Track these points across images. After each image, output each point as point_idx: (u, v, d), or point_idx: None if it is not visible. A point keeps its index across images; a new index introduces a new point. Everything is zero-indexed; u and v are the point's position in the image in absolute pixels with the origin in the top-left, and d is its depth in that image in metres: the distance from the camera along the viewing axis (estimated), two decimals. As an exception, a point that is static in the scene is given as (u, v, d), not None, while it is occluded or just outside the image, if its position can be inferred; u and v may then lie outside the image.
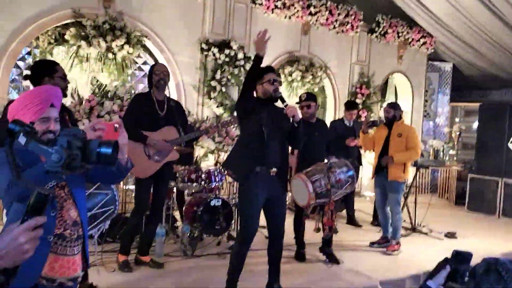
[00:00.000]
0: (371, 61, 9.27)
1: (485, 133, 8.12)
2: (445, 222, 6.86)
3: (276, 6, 7.54)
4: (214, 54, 6.93)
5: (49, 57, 5.91)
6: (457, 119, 11.31)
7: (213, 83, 6.93)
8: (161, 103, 4.05)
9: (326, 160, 4.39)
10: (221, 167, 5.16)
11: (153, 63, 6.83)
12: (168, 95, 4.23)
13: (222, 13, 7.15)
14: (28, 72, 3.28)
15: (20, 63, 5.93)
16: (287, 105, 3.39)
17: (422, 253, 5.17)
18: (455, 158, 9.70)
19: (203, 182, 4.96)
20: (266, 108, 3.45)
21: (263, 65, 3.40)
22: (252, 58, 3.40)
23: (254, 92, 3.53)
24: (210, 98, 6.99)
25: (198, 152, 6.69)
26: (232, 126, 5.26)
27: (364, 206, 7.60)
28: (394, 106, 5.43)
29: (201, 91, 7.03)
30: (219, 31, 7.12)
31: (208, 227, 4.77)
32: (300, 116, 4.08)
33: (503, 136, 7.77)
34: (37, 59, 5.64)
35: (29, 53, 5.96)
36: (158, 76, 4.03)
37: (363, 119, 8.79)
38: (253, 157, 3.38)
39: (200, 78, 7.00)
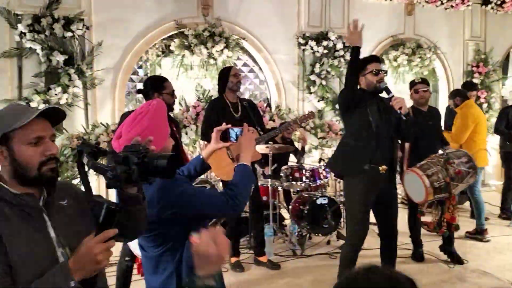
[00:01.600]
0: (487, 35, 8.31)
1: None
2: None
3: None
4: (311, 48, 6.79)
5: (158, 69, 6.32)
6: None
7: (312, 77, 6.80)
8: (235, 105, 4.07)
9: (440, 151, 4.00)
10: (325, 166, 5.02)
11: (247, 64, 6.94)
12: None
13: (318, 4, 6.97)
14: (141, 86, 3.58)
15: (134, 77, 6.43)
16: (393, 96, 3.15)
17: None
18: None
19: (307, 180, 4.88)
20: (372, 100, 3.24)
21: (365, 52, 3.20)
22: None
23: (358, 85, 3.34)
24: (311, 93, 6.87)
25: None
26: (310, 120, 5.13)
27: (489, 197, 6.85)
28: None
29: (301, 86, 6.94)
30: (315, 23, 6.95)
31: (315, 226, 4.68)
32: (410, 104, 3.78)
33: None
34: (149, 75, 6.09)
35: (140, 67, 6.43)
36: (237, 78, 4.08)
37: (482, 100, 7.98)
38: (361, 154, 3.19)
39: (298, 73, 6.92)
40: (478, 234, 4.97)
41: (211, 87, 6.39)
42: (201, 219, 1.93)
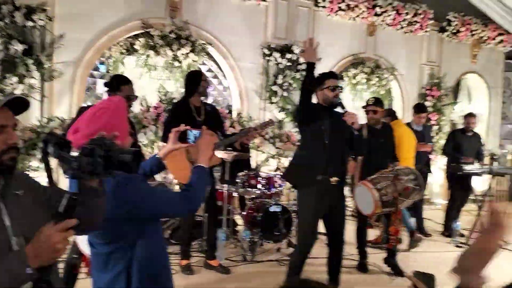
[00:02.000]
0: (442, 61, 8.79)
1: None
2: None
3: (340, 8, 7.39)
4: (276, 59, 6.93)
5: (121, 67, 6.24)
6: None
7: (275, 88, 6.94)
8: (198, 109, 4.14)
9: (391, 167, 4.20)
10: (281, 177, 5.13)
11: (207, 70, 6.99)
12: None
13: (284, 17, 7.15)
14: (101, 82, 3.63)
15: (95, 73, 6.32)
16: (346, 111, 3.30)
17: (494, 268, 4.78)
18: (537, 165, 8.92)
19: (262, 188, 4.97)
20: (327, 114, 3.38)
21: (327, 68, 3.35)
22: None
23: (315, 98, 3.48)
24: (272, 103, 7.00)
25: (258, 157, 6.73)
26: (270, 128, 5.26)
27: (433, 215, 7.20)
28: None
29: (263, 95, 7.06)
30: (281, 36, 7.12)
31: (267, 233, 4.77)
32: (364, 121, 3.95)
33: None
34: (111, 72, 6.01)
35: (102, 63, 6.33)
36: (207, 83, 4.23)
37: (433, 122, 8.39)
38: (313, 166, 3.32)
39: (262, 83, 7.04)
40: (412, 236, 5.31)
41: (174, 89, 6.38)
42: (155, 218, 1.95)
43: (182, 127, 2.19)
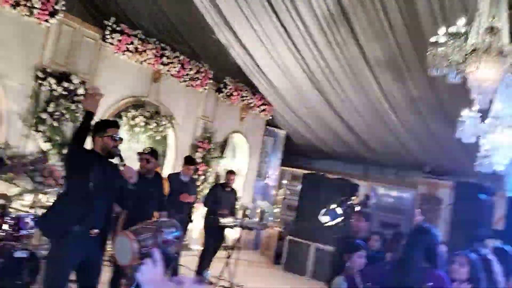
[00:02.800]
0: (216, 118, 9.66)
1: (305, 199, 9.03)
2: (261, 281, 7.25)
3: (127, 49, 7.40)
4: (50, 85, 6.38)
5: None
6: (284, 181, 12.33)
7: (44, 115, 6.33)
8: None
9: (157, 217, 4.30)
10: (35, 224, 4.61)
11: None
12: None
13: (67, 44, 6.72)
14: None
15: None
16: (124, 164, 3.26)
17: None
18: (278, 219, 10.50)
19: (10, 229, 4.36)
20: (99, 163, 3.26)
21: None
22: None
23: (90, 144, 3.32)
24: (38, 131, 6.34)
25: (9, 189, 5.91)
26: (40, 164, 4.87)
27: (189, 261, 7.57)
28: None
29: (29, 121, 6.34)
30: (60, 62, 6.63)
31: (7, 281, 4.15)
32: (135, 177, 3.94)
33: (318, 204, 8.71)
34: None
35: None
36: None
37: (200, 172, 9.00)
38: (73, 214, 3.11)
39: (29, 107, 6.33)
40: None
41: None
42: None
43: None
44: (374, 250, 4.75)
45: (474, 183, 8.49)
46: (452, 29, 3.56)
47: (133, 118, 7.79)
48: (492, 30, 3.38)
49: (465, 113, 4.98)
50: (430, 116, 8.59)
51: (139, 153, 4.67)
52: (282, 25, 7.40)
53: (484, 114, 4.91)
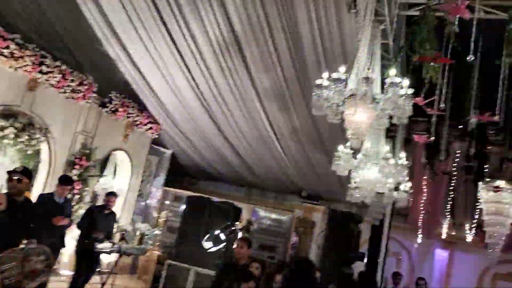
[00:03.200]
0: (97, 134, 9.12)
1: (188, 222, 8.92)
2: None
3: (2, 54, 6.67)
4: None
5: None
6: (167, 202, 12.08)
7: None
8: None
9: (25, 244, 3.87)
10: None
11: None
12: None
13: None
14: None
15: None
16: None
17: None
18: (157, 243, 10.18)
19: None
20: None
21: None
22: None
23: None
24: None
25: None
26: None
27: (58, 286, 6.95)
28: None
29: None
30: None
31: None
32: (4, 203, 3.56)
33: (201, 227, 8.68)
34: None
35: None
36: None
37: (76, 191, 8.37)
38: None
39: None
40: None
41: None
42: None
43: None
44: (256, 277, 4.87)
45: (345, 212, 9.25)
46: (334, 75, 3.90)
47: (2, 129, 6.98)
48: (367, 80, 3.79)
49: (340, 148, 5.46)
50: (310, 147, 9.22)
51: (9, 172, 4.18)
52: (174, 43, 7.37)
53: (356, 151, 5.43)
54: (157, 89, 8.93)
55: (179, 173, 12.38)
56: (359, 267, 8.60)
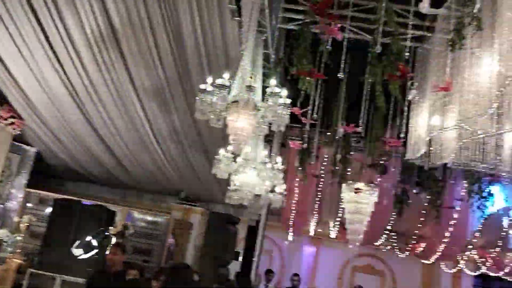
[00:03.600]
0: None
1: (54, 227, 8.23)
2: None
3: None
4: None
5: None
6: (30, 205, 10.93)
7: None
8: None
9: None
10: None
11: None
12: None
13: None
14: None
15: None
16: None
17: None
18: (18, 250, 9.15)
19: None
20: None
21: None
22: None
23: None
24: None
25: None
26: None
27: None
28: None
29: None
30: None
31: None
32: None
33: (70, 233, 8.07)
34: None
35: None
36: None
37: None
38: None
39: None
40: None
41: None
42: None
43: None
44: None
45: (224, 214, 9.43)
46: (219, 81, 3.96)
47: None
48: (250, 88, 3.92)
49: (221, 152, 5.55)
50: (190, 149, 9.18)
51: None
52: (43, 31, 6.69)
53: (236, 155, 5.58)
54: (21, 81, 8.04)
55: (45, 173, 11.31)
56: (235, 266, 8.85)
